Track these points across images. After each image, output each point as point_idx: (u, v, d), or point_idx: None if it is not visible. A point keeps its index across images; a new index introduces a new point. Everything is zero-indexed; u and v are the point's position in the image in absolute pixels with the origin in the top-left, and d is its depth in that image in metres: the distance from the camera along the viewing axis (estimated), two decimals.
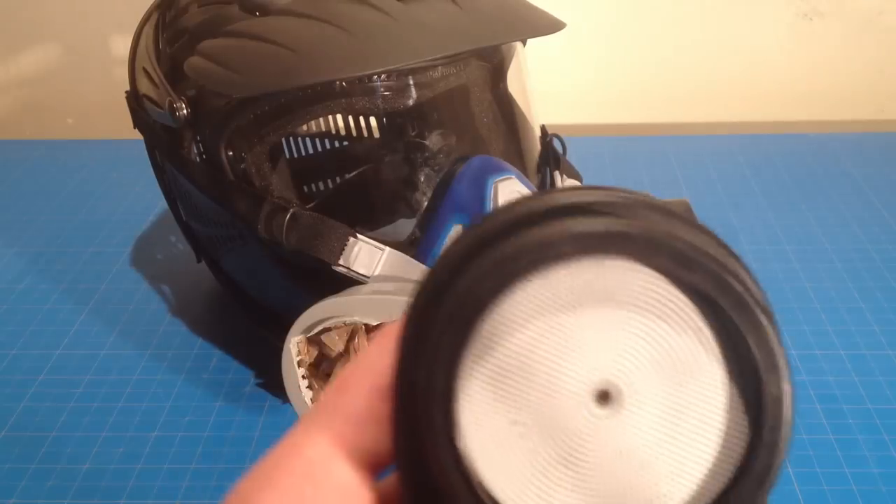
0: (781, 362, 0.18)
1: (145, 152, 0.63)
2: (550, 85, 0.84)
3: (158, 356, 0.62)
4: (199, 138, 0.56)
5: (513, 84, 0.61)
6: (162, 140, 0.59)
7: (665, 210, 0.19)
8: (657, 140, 0.92)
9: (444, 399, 0.18)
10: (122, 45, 0.97)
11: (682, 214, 0.19)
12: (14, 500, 0.50)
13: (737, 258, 0.19)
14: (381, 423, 0.19)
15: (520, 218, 0.18)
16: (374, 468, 0.19)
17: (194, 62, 0.53)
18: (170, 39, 0.58)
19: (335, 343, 0.48)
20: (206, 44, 0.53)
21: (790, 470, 0.51)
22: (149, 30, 0.61)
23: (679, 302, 0.18)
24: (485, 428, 0.18)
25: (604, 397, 0.19)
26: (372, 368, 0.19)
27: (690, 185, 0.82)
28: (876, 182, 0.82)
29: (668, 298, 0.18)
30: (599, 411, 0.19)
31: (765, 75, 0.98)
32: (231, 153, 0.54)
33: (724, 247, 0.19)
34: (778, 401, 0.18)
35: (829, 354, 0.60)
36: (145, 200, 0.80)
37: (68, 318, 0.66)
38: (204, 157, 0.57)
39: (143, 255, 0.73)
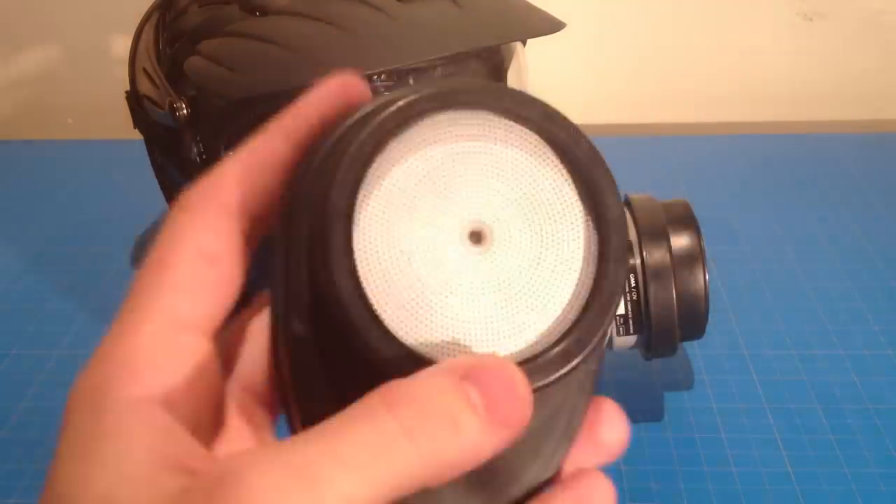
0: (616, 206, 0.21)
1: (145, 152, 0.63)
2: (550, 85, 0.84)
3: None
4: (199, 138, 0.56)
5: (513, 84, 0.61)
6: (162, 140, 0.59)
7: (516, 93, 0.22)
8: (657, 140, 0.92)
9: (345, 219, 0.20)
10: (122, 45, 0.97)
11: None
12: (14, 500, 0.50)
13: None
14: (207, 286, 0.20)
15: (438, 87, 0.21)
16: (208, 331, 0.20)
17: (194, 62, 0.53)
18: (170, 39, 0.58)
19: None
20: (206, 44, 0.53)
21: (790, 470, 0.51)
22: (149, 30, 0.61)
23: (543, 149, 0.21)
24: (376, 253, 0.20)
25: (477, 236, 0.21)
26: (191, 238, 0.20)
27: (690, 185, 0.82)
28: (876, 182, 0.82)
29: (533, 146, 0.21)
30: (473, 248, 0.21)
31: (765, 76, 0.98)
32: (231, 153, 0.54)
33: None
34: (620, 232, 0.21)
35: (829, 354, 0.60)
36: (145, 200, 0.80)
37: (68, 318, 0.66)
38: (204, 157, 0.57)
39: (144, 255, 0.73)
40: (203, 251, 0.20)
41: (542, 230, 0.21)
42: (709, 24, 0.96)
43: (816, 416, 0.54)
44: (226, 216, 0.20)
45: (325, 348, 0.21)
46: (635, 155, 0.87)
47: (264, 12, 0.52)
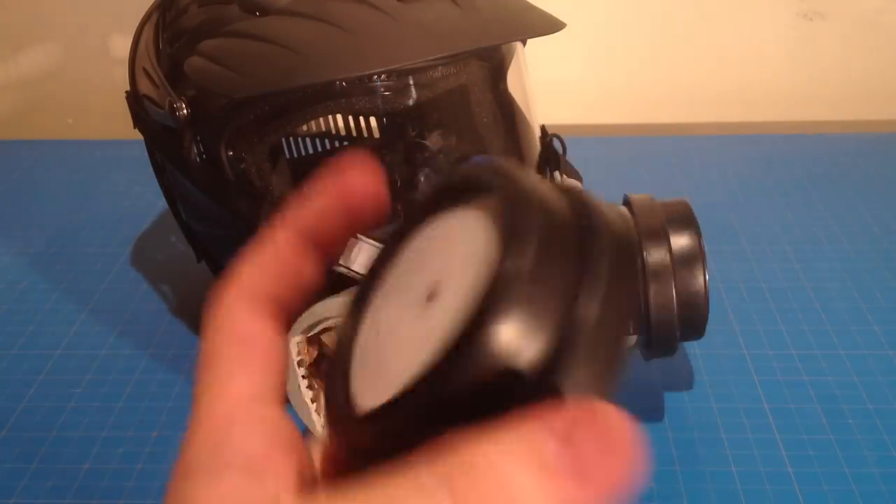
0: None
1: (145, 152, 0.63)
2: (550, 85, 0.84)
3: (158, 356, 0.62)
4: (199, 138, 0.56)
5: (513, 84, 0.61)
6: (162, 140, 0.59)
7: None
8: (657, 140, 0.92)
9: (350, 316, 0.22)
10: (122, 45, 0.97)
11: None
12: (14, 500, 0.50)
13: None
14: (257, 363, 0.21)
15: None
16: (275, 400, 0.21)
17: (194, 62, 0.53)
18: (170, 39, 0.58)
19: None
20: (206, 44, 0.53)
21: (790, 470, 0.51)
22: (149, 30, 0.61)
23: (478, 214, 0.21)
24: (364, 337, 0.22)
25: (431, 296, 0.20)
26: (225, 324, 0.21)
27: (690, 185, 0.82)
28: (876, 182, 0.82)
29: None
30: (424, 307, 0.20)
31: (765, 76, 0.98)
32: (231, 153, 0.54)
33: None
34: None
35: (829, 354, 0.60)
36: (145, 200, 0.80)
37: (68, 318, 0.66)
38: (204, 157, 0.57)
39: (143, 255, 0.73)
40: (237, 335, 0.21)
41: (463, 279, 0.19)
42: (709, 24, 0.96)
43: (816, 416, 0.55)
44: (248, 302, 0.22)
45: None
46: (635, 155, 0.87)
47: (264, 12, 0.52)
